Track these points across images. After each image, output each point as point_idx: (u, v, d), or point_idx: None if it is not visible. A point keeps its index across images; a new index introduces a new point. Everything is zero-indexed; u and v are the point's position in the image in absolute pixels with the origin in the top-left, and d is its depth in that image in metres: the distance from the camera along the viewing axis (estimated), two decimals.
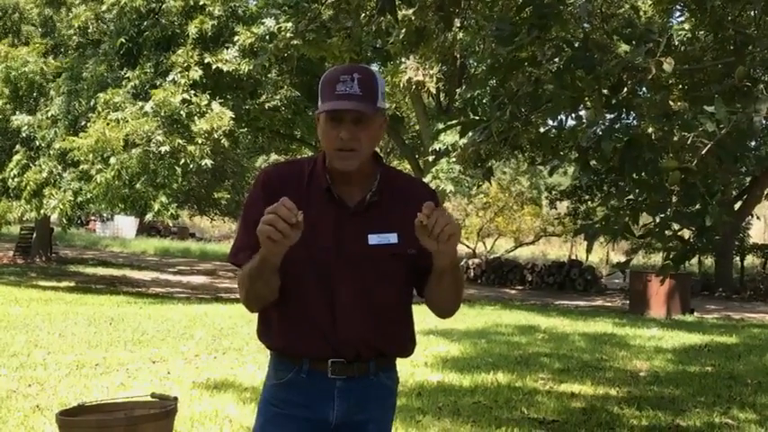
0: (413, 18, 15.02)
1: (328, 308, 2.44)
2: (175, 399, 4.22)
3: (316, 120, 2.51)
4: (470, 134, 4.74)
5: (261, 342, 2.62)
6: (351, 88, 2.36)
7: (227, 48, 17.49)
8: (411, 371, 8.53)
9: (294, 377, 2.51)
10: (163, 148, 16.15)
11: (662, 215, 4.26)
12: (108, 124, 16.19)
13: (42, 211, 17.69)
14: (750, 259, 29.87)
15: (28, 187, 17.35)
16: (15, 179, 17.75)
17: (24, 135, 17.94)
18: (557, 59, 4.81)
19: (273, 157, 28.68)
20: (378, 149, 2.56)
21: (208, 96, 17.10)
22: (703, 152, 3.85)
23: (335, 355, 2.46)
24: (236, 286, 2.58)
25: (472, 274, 29.63)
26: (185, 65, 16.86)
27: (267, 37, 16.47)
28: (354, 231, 2.41)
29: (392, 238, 2.41)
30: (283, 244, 2.21)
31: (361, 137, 2.39)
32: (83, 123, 17.18)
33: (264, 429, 2.57)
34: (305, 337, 2.47)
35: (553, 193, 30.69)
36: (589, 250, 4.92)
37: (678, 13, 14.01)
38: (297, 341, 2.49)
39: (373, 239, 2.43)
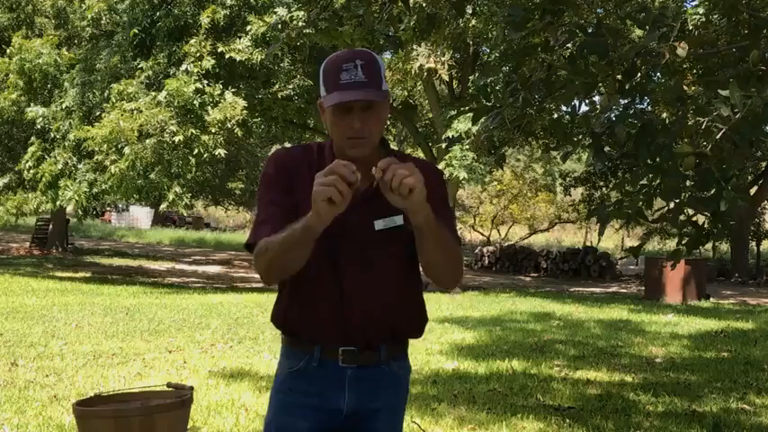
0: (424, 5, 15.01)
1: (337, 292, 2.45)
2: (191, 388, 4.25)
3: (319, 107, 2.47)
4: (483, 120, 4.72)
5: (275, 327, 2.63)
6: (356, 76, 2.33)
7: (240, 37, 17.50)
8: (426, 359, 8.54)
9: (305, 366, 2.51)
10: (176, 138, 16.17)
11: (676, 200, 4.24)
12: (122, 115, 16.23)
13: (58, 203, 17.77)
14: (766, 244, 29.73)
15: (43, 179, 17.43)
16: (31, 171, 17.84)
17: (39, 127, 18.02)
18: (570, 45, 4.79)
19: (287, 146, 28.74)
20: (390, 137, 2.53)
21: (221, 86, 17.13)
22: (718, 137, 3.82)
23: (346, 341, 2.47)
24: (252, 274, 2.58)
25: (487, 261, 29.62)
26: (198, 55, 16.88)
27: (279, 26, 16.44)
28: (360, 218, 2.39)
29: (398, 219, 2.37)
30: (340, 207, 2.16)
31: (370, 124, 2.38)
32: (97, 114, 17.24)
33: (277, 418, 2.57)
34: (317, 320, 2.48)
35: (567, 179, 30.60)
36: (601, 233, 4.90)
37: None
38: (309, 325, 2.50)
39: (379, 224, 2.40)
